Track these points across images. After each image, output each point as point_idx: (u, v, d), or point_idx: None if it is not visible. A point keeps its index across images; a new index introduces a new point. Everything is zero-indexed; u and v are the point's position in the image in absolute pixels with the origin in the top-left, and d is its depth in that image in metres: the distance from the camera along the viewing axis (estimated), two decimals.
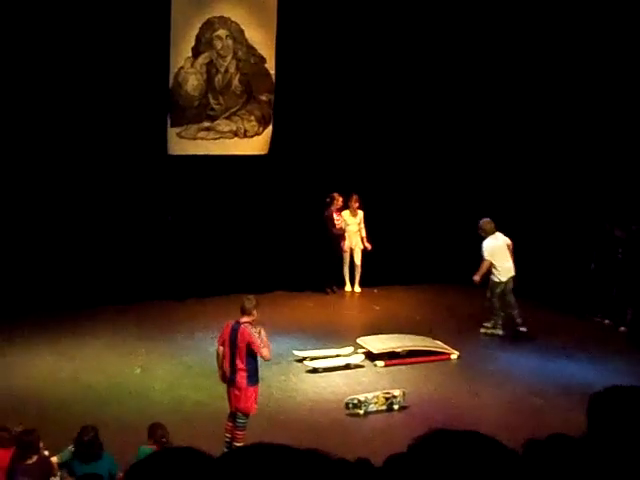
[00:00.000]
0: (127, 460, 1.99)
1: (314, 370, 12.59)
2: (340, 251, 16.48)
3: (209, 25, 15.33)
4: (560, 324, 14.92)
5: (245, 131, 15.92)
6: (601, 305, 15.06)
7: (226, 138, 15.82)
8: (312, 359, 12.81)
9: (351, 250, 16.60)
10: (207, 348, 12.32)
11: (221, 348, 9.97)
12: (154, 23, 14.66)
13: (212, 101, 15.64)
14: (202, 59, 15.42)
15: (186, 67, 15.31)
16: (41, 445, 8.09)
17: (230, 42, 15.56)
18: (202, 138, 15.64)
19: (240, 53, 15.67)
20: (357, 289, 16.73)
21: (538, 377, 12.61)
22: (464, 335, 14.24)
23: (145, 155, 15.01)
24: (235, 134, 15.87)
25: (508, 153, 16.58)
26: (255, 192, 15.88)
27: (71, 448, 8.28)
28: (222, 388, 10.18)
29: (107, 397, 11.45)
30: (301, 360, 12.85)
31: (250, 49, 15.70)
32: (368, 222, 16.45)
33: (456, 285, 15.76)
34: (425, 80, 16.34)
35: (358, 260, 16.61)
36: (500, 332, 14.42)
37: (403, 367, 12.90)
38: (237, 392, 9.84)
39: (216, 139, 15.75)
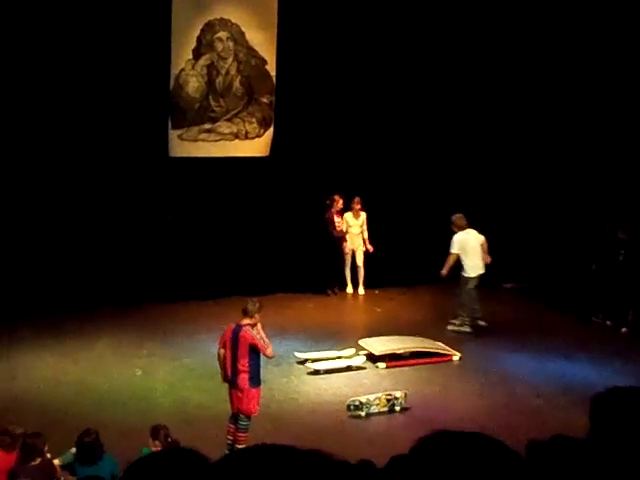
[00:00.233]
0: (129, 462, 1.98)
1: (316, 372, 12.58)
2: (341, 253, 16.49)
3: (210, 27, 15.34)
4: (561, 325, 14.92)
5: (246, 133, 15.93)
6: (602, 306, 15.06)
7: (227, 140, 15.83)
8: (314, 361, 12.80)
9: (353, 252, 16.61)
10: (209, 350, 12.31)
11: (222, 350, 9.98)
12: (155, 25, 14.67)
13: (213, 103, 15.64)
14: (203, 61, 15.43)
15: (187, 69, 15.32)
16: (45, 448, 8.10)
17: (231, 44, 15.56)
18: (203, 140, 15.64)
19: (241, 55, 15.68)
20: (361, 291, 16.72)
21: (539, 378, 12.60)
22: (465, 336, 14.25)
23: (146, 157, 15.02)
24: (236, 136, 15.88)
25: (512, 155, 16.58)
26: (256, 194, 15.88)
27: (73, 450, 8.29)
28: (224, 390, 10.18)
29: (108, 399, 11.45)
30: (303, 362, 12.85)
31: (251, 51, 15.70)
32: (369, 224, 16.46)
33: (455, 288, 15.72)
34: (426, 80, 16.32)
35: (360, 262, 16.61)
36: (468, 329, 14.52)
37: (405, 369, 12.89)
38: (239, 394, 9.84)
39: (217, 141, 15.76)
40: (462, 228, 14.42)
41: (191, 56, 15.31)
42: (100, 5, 14.26)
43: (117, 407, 11.19)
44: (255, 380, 9.89)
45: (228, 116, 15.77)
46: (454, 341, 13.80)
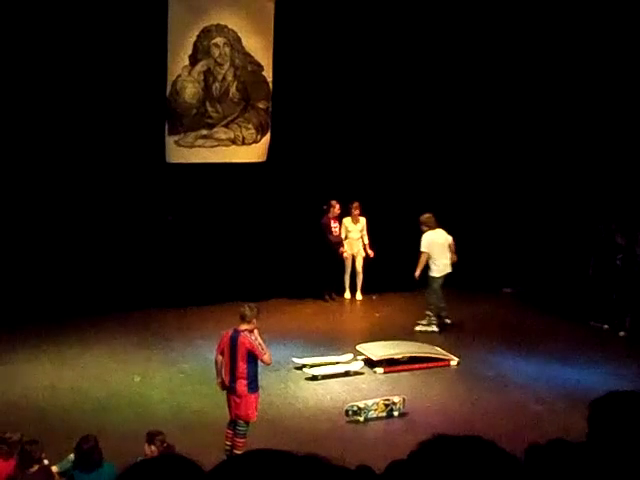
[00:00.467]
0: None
1: (314, 377, 12.57)
2: (339, 258, 16.46)
3: (206, 33, 15.35)
4: (559, 329, 14.92)
5: (243, 139, 15.93)
6: (600, 310, 15.06)
7: (224, 146, 15.83)
8: (311, 366, 12.79)
9: (353, 257, 16.59)
10: (206, 356, 12.29)
11: (220, 357, 9.96)
12: (151, 31, 14.68)
13: (210, 109, 15.64)
14: (200, 67, 15.44)
15: (184, 75, 15.32)
16: (43, 455, 8.08)
17: (227, 50, 15.57)
18: (200, 146, 15.64)
19: (237, 61, 15.68)
20: (358, 296, 16.69)
21: (537, 383, 12.60)
22: (463, 341, 14.24)
23: (143, 163, 15.01)
24: (233, 142, 15.88)
25: (509, 158, 16.58)
26: (253, 200, 15.87)
27: (71, 457, 8.27)
28: (222, 396, 10.17)
29: (107, 405, 11.44)
30: (300, 367, 12.83)
31: (247, 57, 15.71)
32: (367, 229, 16.45)
33: (454, 291, 15.72)
34: (423, 84, 16.33)
35: (360, 267, 16.59)
36: (435, 329, 14.65)
37: (403, 374, 12.88)
38: (237, 399, 9.83)
39: (214, 147, 15.76)
40: (431, 227, 14.64)
41: (188, 62, 15.31)
42: (97, 11, 14.26)
43: (115, 413, 11.18)
44: (253, 386, 9.88)
45: (225, 122, 15.77)
46: (452, 346, 13.79)
